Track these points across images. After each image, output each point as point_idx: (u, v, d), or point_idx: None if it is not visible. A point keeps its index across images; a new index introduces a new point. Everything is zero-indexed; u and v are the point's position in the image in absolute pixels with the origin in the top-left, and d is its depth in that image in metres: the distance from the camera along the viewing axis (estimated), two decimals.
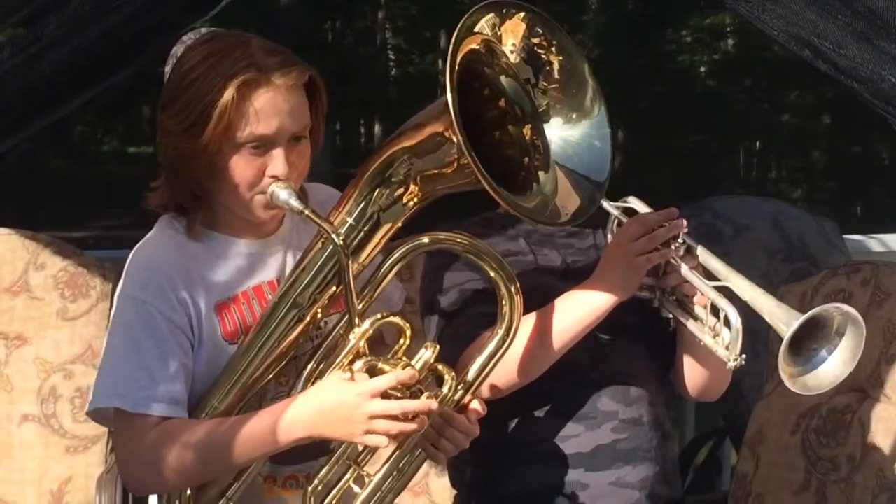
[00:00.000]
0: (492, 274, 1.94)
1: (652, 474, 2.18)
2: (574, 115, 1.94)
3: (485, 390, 2.02)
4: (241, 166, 1.89)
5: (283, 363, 1.96)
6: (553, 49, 1.93)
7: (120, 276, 1.99)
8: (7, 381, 2.97)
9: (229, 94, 1.83)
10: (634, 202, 2.13)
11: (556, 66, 1.93)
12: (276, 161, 1.89)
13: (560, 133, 1.94)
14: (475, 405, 1.94)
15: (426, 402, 1.81)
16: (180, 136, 1.88)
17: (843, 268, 2.63)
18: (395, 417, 1.79)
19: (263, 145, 1.88)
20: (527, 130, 1.94)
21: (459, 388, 1.92)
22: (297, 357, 1.98)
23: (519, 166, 1.93)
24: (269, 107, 1.86)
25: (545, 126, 1.94)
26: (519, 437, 2.16)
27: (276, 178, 1.89)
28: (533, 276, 2.14)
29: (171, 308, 1.90)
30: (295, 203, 1.87)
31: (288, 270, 2.00)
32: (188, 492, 1.94)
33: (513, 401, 2.09)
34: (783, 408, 2.63)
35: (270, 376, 1.95)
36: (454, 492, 3.00)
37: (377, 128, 14.10)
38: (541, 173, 1.92)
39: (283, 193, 1.88)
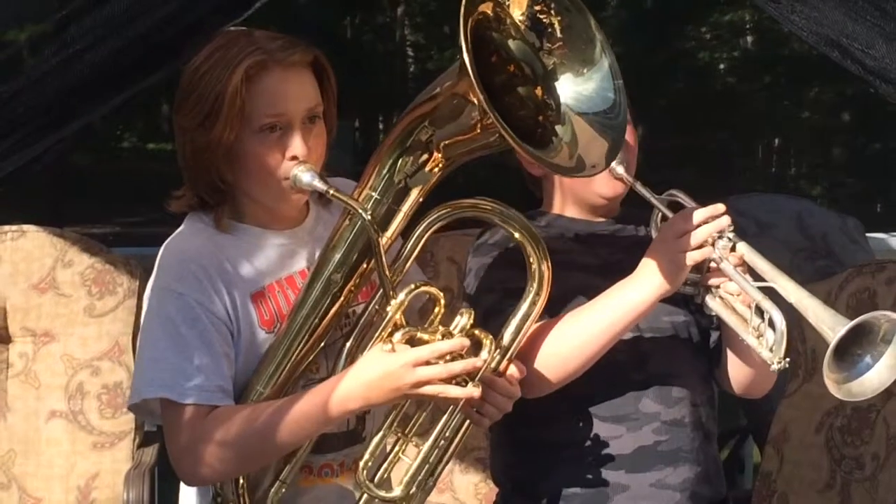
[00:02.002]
0: (517, 235, 1.95)
1: (693, 475, 2.15)
2: (584, 70, 1.93)
3: (531, 387, 2.03)
4: (260, 151, 1.90)
5: (319, 348, 1.97)
6: (552, 10, 1.92)
7: (147, 273, 2.00)
8: (35, 377, 3.00)
9: (238, 78, 1.86)
10: (679, 195, 2.10)
11: (556, 27, 1.92)
12: (294, 142, 1.90)
13: (573, 88, 1.93)
14: (513, 369, 1.94)
15: (470, 361, 1.83)
16: (196, 131, 1.90)
17: (868, 267, 2.64)
18: (442, 381, 1.81)
19: (279, 126, 1.89)
20: (538, 91, 1.93)
21: (496, 353, 1.93)
22: (328, 346, 1.98)
23: (534, 124, 1.91)
24: (279, 85, 1.89)
25: (556, 84, 1.93)
26: (559, 438, 2.15)
27: (295, 158, 1.90)
28: (575, 275, 2.13)
29: (208, 298, 1.91)
30: (319, 183, 1.88)
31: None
32: (241, 480, 1.95)
33: (554, 401, 2.08)
34: (807, 406, 2.63)
35: (313, 356, 1.96)
36: (478, 489, 3.01)
37: None
38: (557, 127, 1.91)
39: (307, 175, 1.89)
